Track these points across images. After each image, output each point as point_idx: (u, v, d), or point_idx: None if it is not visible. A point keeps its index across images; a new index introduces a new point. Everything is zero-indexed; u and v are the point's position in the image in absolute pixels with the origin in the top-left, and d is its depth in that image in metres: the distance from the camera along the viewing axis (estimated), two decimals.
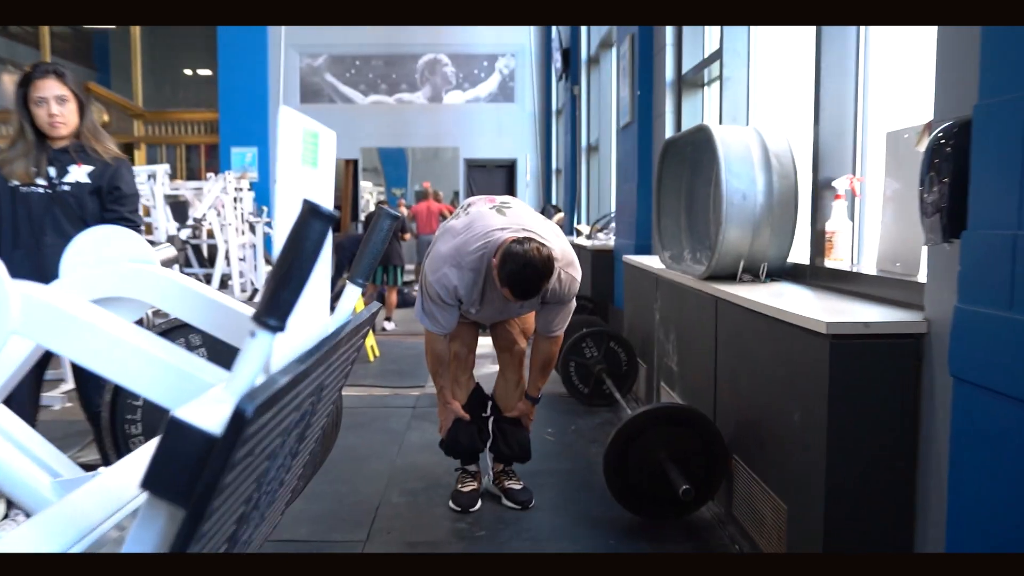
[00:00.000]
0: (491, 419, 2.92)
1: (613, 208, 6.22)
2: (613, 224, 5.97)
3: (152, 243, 1.43)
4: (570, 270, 2.55)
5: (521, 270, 2.32)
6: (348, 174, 13.92)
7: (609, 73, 7.06)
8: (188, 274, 7.92)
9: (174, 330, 1.58)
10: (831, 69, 2.38)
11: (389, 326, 7.33)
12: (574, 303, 2.70)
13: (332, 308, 1.14)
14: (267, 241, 8.92)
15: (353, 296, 1.16)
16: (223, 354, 1.72)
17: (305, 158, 0.89)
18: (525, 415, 2.90)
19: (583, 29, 8.26)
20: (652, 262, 3.65)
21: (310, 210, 0.70)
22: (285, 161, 0.81)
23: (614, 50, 6.24)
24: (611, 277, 5.59)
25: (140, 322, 1.49)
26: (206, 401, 0.71)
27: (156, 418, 1.71)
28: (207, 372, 0.86)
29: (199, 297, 1.06)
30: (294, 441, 1.02)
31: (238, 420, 0.64)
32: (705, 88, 4.08)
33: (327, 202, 1.03)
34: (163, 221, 6.82)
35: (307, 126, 0.88)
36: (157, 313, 3.74)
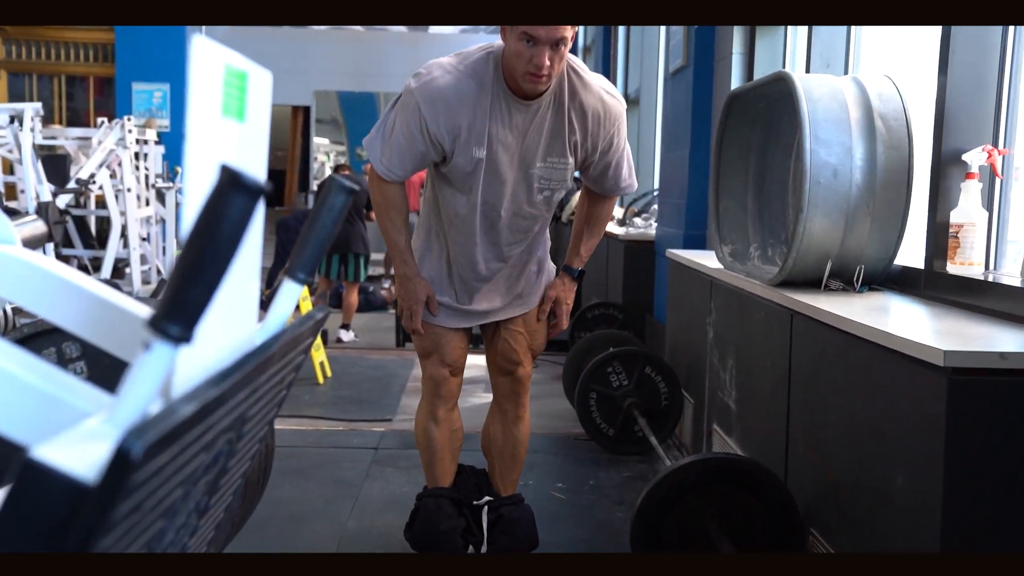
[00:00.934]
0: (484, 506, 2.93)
1: (656, 184, 6.22)
2: (655, 207, 5.98)
3: (12, 213, 1.44)
4: (614, 94, 2.66)
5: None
6: (296, 127, 13.95)
7: None
8: (67, 257, 7.98)
9: (40, 336, 1.58)
10: None
11: (347, 336, 7.36)
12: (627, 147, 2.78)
13: (265, 308, 1.14)
14: (181, 215, 8.95)
15: (292, 297, 1.16)
16: (110, 371, 1.73)
17: (228, 107, 0.88)
18: (561, 304, 2.90)
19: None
20: (706, 260, 3.66)
21: (230, 179, 0.70)
22: (199, 112, 0.81)
23: None
24: (650, 279, 5.60)
25: None
26: (78, 436, 0.71)
27: (6, 457, 1.71)
28: (82, 396, 0.86)
29: (77, 291, 1.06)
30: (202, 493, 1.02)
31: (121, 463, 0.63)
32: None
33: (258, 167, 1.03)
34: (32, 182, 6.84)
35: (231, 63, 0.88)
36: (20, 312, 3.75)
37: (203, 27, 12.49)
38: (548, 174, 2.63)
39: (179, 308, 0.73)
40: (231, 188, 0.72)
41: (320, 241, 1.16)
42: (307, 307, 5.86)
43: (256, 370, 0.96)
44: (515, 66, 2.44)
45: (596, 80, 2.63)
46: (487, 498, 2.92)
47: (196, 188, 0.82)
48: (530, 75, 2.43)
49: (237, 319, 1.04)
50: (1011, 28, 2.35)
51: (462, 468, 2.99)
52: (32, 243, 1.24)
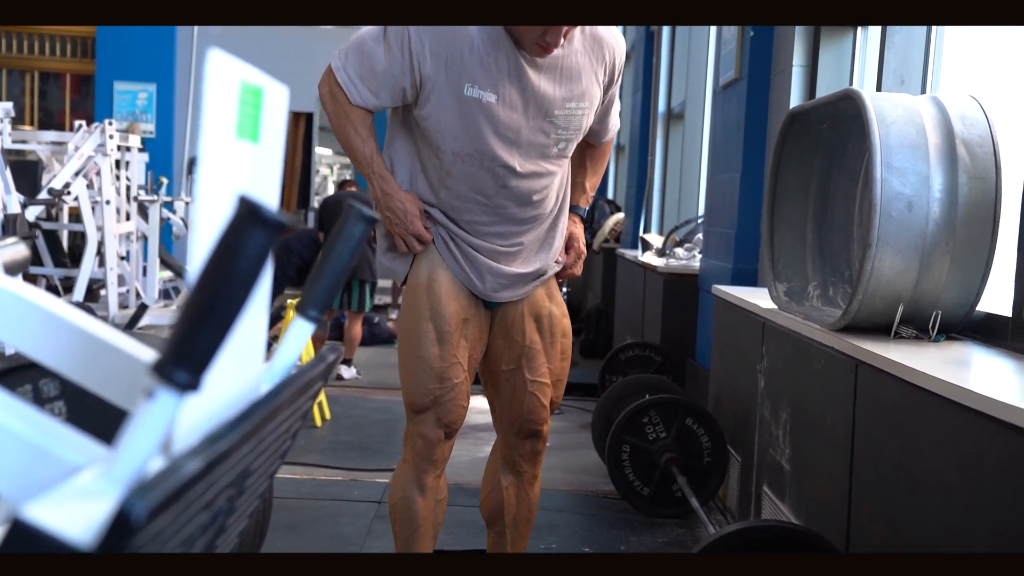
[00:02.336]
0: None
1: (701, 211, 6.24)
2: (700, 236, 5.99)
3: None
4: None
5: None
6: (297, 136, 14.05)
7: None
8: (35, 276, 8.04)
9: (15, 372, 1.60)
10: None
11: (348, 373, 7.37)
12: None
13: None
14: (165, 232, 9.02)
15: (302, 337, 1.17)
16: (92, 412, 1.75)
17: (242, 128, 0.90)
18: (575, 241, 2.85)
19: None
20: (758, 298, 3.66)
21: (249, 213, 0.72)
22: (213, 133, 0.83)
23: None
24: (692, 318, 5.61)
25: None
26: (71, 493, 0.72)
27: None
28: (71, 445, 0.87)
29: (61, 324, 1.07)
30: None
31: (122, 525, 0.64)
32: (858, 32, 4.10)
33: (273, 195, 1.05)
34: None
35: (247, 79, 0.90)
36: None
37: (195, 36, 12.63)
38: (566, 122, 2.58)
39: (187, 353, 0.74)
40: (249, 222, 0.73)
41: (336, 275, 1.18)
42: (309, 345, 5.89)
43: (263, 420, 0.98)
44: (522, 32, 2.43)
45: None
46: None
47: (208, 219, 0.83)
48: (539, 47, 2.44)
49: (244, 361, 1.06)
50: None
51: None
52: (13, 268, 1.26)
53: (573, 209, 2.85)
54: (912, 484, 2.27)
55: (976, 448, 1.95)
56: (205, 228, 0.83)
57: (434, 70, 2.46)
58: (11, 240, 1.33)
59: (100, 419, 1.27)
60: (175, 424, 0.84)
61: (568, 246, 2.83)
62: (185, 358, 0.74)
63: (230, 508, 1.08)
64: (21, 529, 0.67)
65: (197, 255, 0.81)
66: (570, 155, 2.71)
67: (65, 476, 0.83)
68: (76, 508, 0.69)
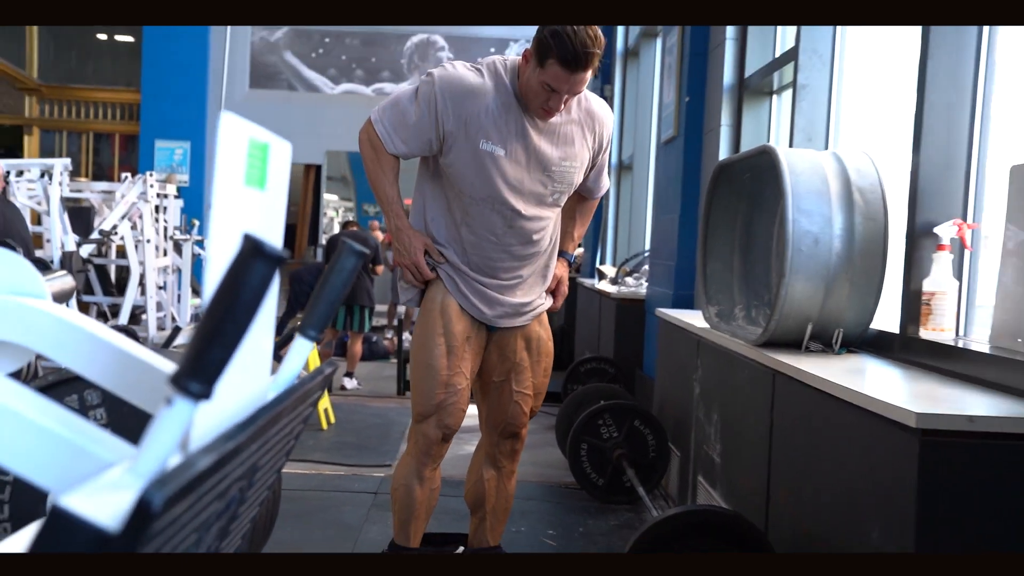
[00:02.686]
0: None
1: (647, 246, 6.26)
2: (646, 267, 6.01)
3: (41, 264, 1.45)
4: (603, 102, 2.75)
5: (567, 27, 2.37)
6: (308, 184, 14.05)
7: (651, 71, 7.17)
8: (89, 303, 7.98)
9: (64, 384, 1.59)
10: (940, 80, 2.43)
11: (350, 384, 7.34)
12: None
13: (277, 356, 1.16)
14: (197, 265, 8.98)
15: (303, 353, 1.17)
16: (128, 417, 1.74)
17: (251, 177, 0.91)
18: (561, 283, 2.87)
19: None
20: (694, 319, 3.67)
21: (252, 248, 0.72)
22: (224, 181, 0.83)
23: (658, 42, 6.35)
24: (640, 335, 5.62)
25: (22, 373, 1.49)
26: (101, 485, 0.72)
27: (30, 501, 1.71)
28: (104, 445, 0.87)
29: (100, 344, 1.07)
30: (214, 538, 1.03)
31: (142, 513, 0.64)
32: (774, 97, 4.15)
33: (277, 234, 1.05)
34: (58, 232, 6.87)
35: (255, 136, 0.91)
36: (40, 358, 3.76)
37: (223, 98, 12.60)
38: (560, 177, 2.64)
39: (200, 366, 0.74)
40: (252, 256, 0.73)
41: (331, 301, 1.18)
42: (315, 357, 5.86)
43: (268, 423, 0.97)
44: (530, 98, 2.50)
45: (589, 92, 2.69)
46: (461, 548, 2.90)
47: (219, 254, 0.83)
48: (543, 111, 2.50)
49: (252, 373, 1.05)
50: (978, 110, 2.39)
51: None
52: (61, 297, 1.26)
53: (562, 254, 2.89)
54: (819, 473, 2.28)
55: (869, 442, 1.96)
56: (217, 261, 0.83)
57: (455, 127, 2.53)
58: (60, 273, 1.32)
59: (135, 423, 1.26)
60: (191, 426, 0.84)
61: (556, 289, 2.88)
62: (198, 371, 0.74)
63: (242, 498, 1.07)
64: (58, 515, 0.66)
65: (210, 284, 0.82)
66: (562, 204, 2.75)
67: (99, 471, 0.83)
68: (105, 498, 0.69)
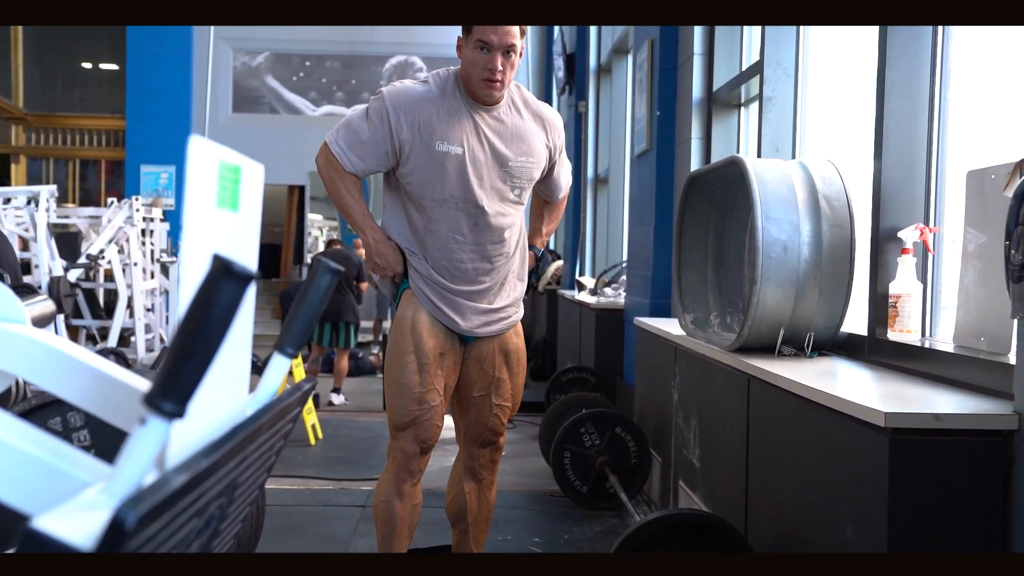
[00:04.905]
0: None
1: (625, 257, 6.28)
2: (624, 277, 6.02)
3: (28, 290, 1.44)
4: (549, 107, 2.79)
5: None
6: (292, 205, 14.03)
7: (623, 87, 7.20)
8: (78, 326, 7.93)
9: (48, 407, 1.57)
10: (898, 89, 2.45)
11: (338, 400, 7.31)
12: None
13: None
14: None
15: (281, 370, 1.16)
16: (111, 438, 1.72)
17: (222, 199, 0.90)
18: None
19: (592, 30, 8.45)
20: (670, 327, 3.68)
21: (222, 268, 0.72)
22: (195, 204, 0.83)
23: (630, 58, 6.38)
24: (620, 344, 5.62)
25: (7, 396, 1.48)
26: (76, 506, 0.71)
27: (8, 525, 1.69)
28: (81, 466, 0.86)
29: (80, 367, 1.06)
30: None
31: (115, 532, 0.64)
32: (741, 109, 4.17)
33: (250, 254, 1.05)
34: (45, 258, 6.83)
35: (226, 159, 0.90)
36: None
37: (207, 122, 12.57)
38: (519, 172, 2.65)
39: (173, 385, 0.74)
40: (222, 276, 0.73)
41: (308, 318, 1.17)
42: (299, 373, 5.84)
43: (246, 440, 0.97)
44: (472, 74, 2.53)
45: (537, 99, 2.75)
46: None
47: (191, 274, 0.83)
48: (485, 81, 2.52)
49: (229, 391, 1.05)
50: (936, 118, 2.42)
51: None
52: (41, 321, 1.25)
53: (531, 247, 2.90)
54: (795, 474, 2.28)
55: (841, 442, 1.96)
56: (189, 282, 0.83)
57: (410, 134, 2.55)
58: (40, 297, 1.31)
59: (119, 443, 1.25)
60: (167, 445, 0.83)
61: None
62: (171, 390, 0.73)
63: (222, 515, 1.06)
64: (32, 536, 0.66)
65: (183, 304, 0.81)
66: (525, 201, 2.75)
67: (76, 492, 0.82)
68: (79, 518, 0.69)
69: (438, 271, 2.64)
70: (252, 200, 1.03)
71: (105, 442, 1.62)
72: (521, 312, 2.81)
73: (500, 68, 2.50)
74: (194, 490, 0.80)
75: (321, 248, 14.82)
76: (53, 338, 1.12)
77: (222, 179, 0.91)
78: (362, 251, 10.40)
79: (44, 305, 1.27)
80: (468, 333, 2.68)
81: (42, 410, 1.59)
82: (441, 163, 2.56)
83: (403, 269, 2.68)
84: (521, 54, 2.54)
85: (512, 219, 2.69)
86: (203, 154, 0.85)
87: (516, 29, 2.50)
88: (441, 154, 2.55)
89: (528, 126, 2.67)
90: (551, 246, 11.45)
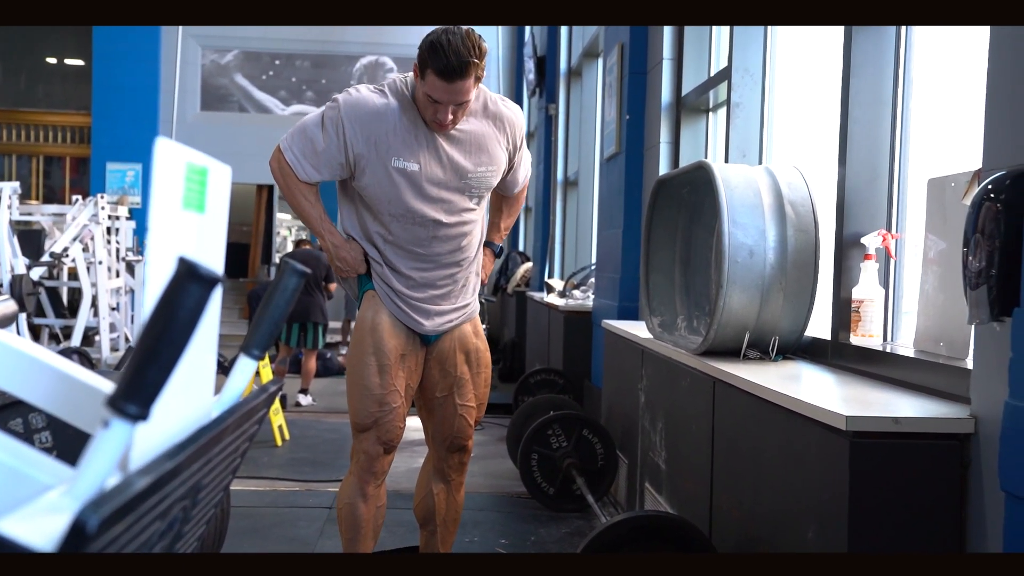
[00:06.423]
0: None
1: (594, 259, 6.30)
2: (592, 280, 6.04)
3: None
4: (509, 102, 2.72)
5: (443, 34, 2.39)
6: (260, 204, 13.93)
7: (593, 90, 7.23)
8: (41, 325, 7.82)
9: (8, 408, 1.56)
10: (862, 97, 2.48)
11: (305, 400, 7.27)
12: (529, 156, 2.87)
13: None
14: None
15: (247, 372, 1.16)
16: (73, 440, 1.70)
17: (189, 201, 0.90)
18: (486, 273, 2.89)
19: (563, 31, 8.47)
20: (638, 330, 3.69)
21: (187, 271, 0.72)
22: (161, 205, 0.83)
23: (600, 62, 6.41)
24: (588, 347, 5.63)
25: None
26: (38, 509, 0.71)
27: None
28: (43, 469, 0.85)
29: (40, 367, 1.06)
30: None
31: (76, 535, 0.64)
32: (710, 115, 4.20)
33: (217, 256, 1.04)
34: (7, 255, 6.74)
35: (192, 161, 0.90)
36: None
37: (174, 120, 12.45)
38: (478, 182, 2.63)
39: (137, 388, 0.73)
40: (187, 279, 0.73)
41: (275, 320, 1.17)
42: (267, 374, 5.80)
43: (210, 442, 0.97)
44: (423, 111, 2.51)
45: (495, 95, 2.70)
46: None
47: (156, 276, 0.83)
48: (435, 124, 2.51)
49: (194, 392, 1.04)
50: (899, 127, 2.45)
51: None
52: (2, 322, 1.23)
53: (488, 245, 2.88)
54: (758, 477, 2.30)
55: (804, 445, 1.99)
56: (154, 284, 0.82)
57: (365, 149, 2.52)
58: (2, 297, 1.30)
59: (81, 446, 1.24)
60: (131, 447, 0.83)
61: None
62: (135, 393, 0.73)
63: (185, 517, 1.06)
64: None
65: (148, 307, 0.81)
66: (485, 204, 2.75)
67: (38, 495, 0.82)
68: (41, 521, 0.68)
69: (399, 279, 2.64)
70: (219, 202, 1.03)
71: (67, 444, 1.61)
72: (477, 304, 2.84)
73: (451, 118, 2.49)
74: (157, 493, 0.80)
75: (290, 248, 14.74)
76: (13, 338, 1.11)
77: (189, 180, 0.91)
78: None
79: (5, 305, 1.26)
80: (432, 332, 2.69)
81: (2, 411, 1.57)
82: (397, 180, 2.53)
83: (366, 269, 2.67)
84: (480, 80, 2.48)
85: (471, 226, 2.69)
86: (169, 155, 0.85)
87: (469, 83, 2.42)
88: (397, 170, 2.53)
89: (487, 132, 2.63)
90: (520, 248, 11.48)
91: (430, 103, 2.45)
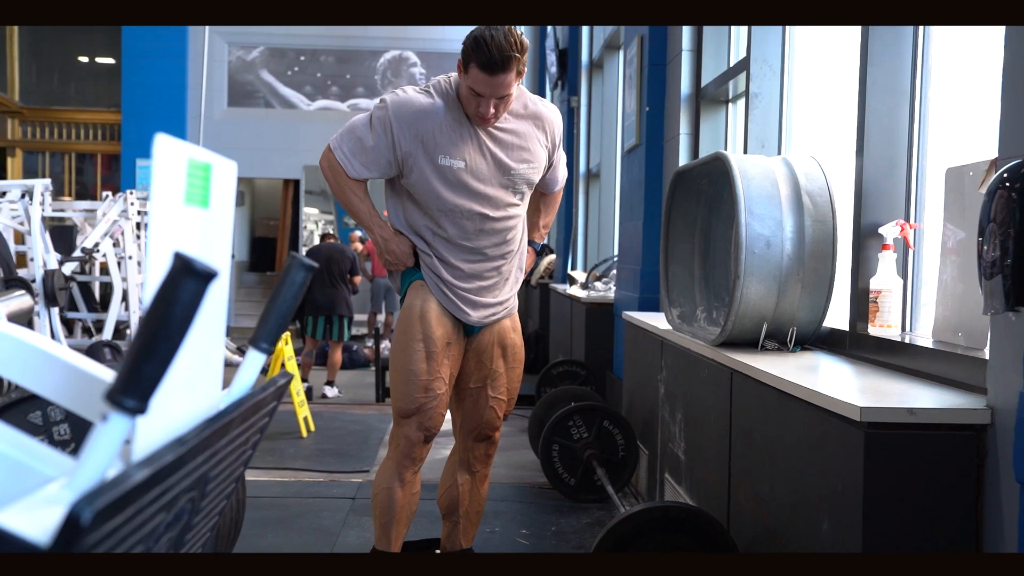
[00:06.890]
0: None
1: (616, 251, 6.28)
2: (614, 271, 6.02)
3: (18, 283, 1.44)
4: (548, 104, 2.79)
5: (486, 31, 2.45)
6: (287, 199, 14.01)
7: (615, 82, 7.20)
8: (73, 319, 7.91)
9: (28, 401, 1.57)
10: (880, 87, 2.45)
11: (331, 392, 7.31)
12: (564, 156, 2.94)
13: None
14: None
15: (256, 365, 1.17)
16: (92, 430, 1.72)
17: (191, 196, 0.90)
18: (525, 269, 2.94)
19: (584, 26, 8.44)
20: (658, 321, 3.68)
21: (183, 266, 0.72)
22: (161, 201, 0.83)
23: (620, 54, 6.37)
24: (609, 338, 5.62)
25: None
26: (37, 501, 0.71)
27: None
28: (48, 462, 0.86)
29: (54, 362, 1.06)
30: (166, 548, 1.02)
31: (72, 527, 0.64)
32: (729, 106, 4.17)
33: (222, 250, 1.05)
34: (40, 251, 6.81)
35: (194, 157, 0.90)
36: None
37: (202, 117, 12.53)
38: (520, 178, 2.69)
39: (134, 382, 0.74)
40: (183, 274, 0.73)
41: (282, 313, 1.17)
42: (292, 366, 5.83)
43: (215, 434, 0.97)
44: (466, 106, 2.58)
45: (534, 96, 2.77)
46: (436, 552, 2.90)
47: (156, 272, 0.83)
48: (478, 117, 2.56)
49: (201, 386, 1.05)
50: (916, 116, 2.42)
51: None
52: (17, 317, 1.25)
53: (530, 243, 2.96)
54: (775, 467, 2.29)
55: (820, 436, 1.97)
56: (154, 280, 0.83)
57: (412, 147, 2.59)
58: (18, 292, 1.31)
59: None
60: (135, 440, 0.83)
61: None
62: (132, 387, 0.74)
63: (194, 508, 1.06)
64: None
65: (146, 302, 0.81)
66: (527, 200, 2.80)
67: (40, 486, 0.82)
68: (39, 513, 0.69)
69: (449, 270, 2.69)
70: (224, 197, 1.03)
71: (85, 436, 1.62)
72: (516, 301, 2.88)
73: (492, 112, 2.55)
74: (158, 484, 0.80)
75: (316, 241, 14.84)
76: (28, 333, 1.12)
77: (191, 176, 0.91)
78: (357, 245, 10.41)
79: (20, 301, 1.27)
80: (476, 323, 2.74)
81: (23, 404, 1.59)
82: (445, 176, 2.60)
83: (414, 262, 2.72)
84: (522, 75, 2.54)
85: (515, 220, 2.75)
86: (168, 152, 0.85)
87: (511, 76, 2.49)
88: (444, 168, 2.59)
89: (527, 131, 2.70)
90: (544, 240, 11.45)
91: (473, 97, 2.52)
